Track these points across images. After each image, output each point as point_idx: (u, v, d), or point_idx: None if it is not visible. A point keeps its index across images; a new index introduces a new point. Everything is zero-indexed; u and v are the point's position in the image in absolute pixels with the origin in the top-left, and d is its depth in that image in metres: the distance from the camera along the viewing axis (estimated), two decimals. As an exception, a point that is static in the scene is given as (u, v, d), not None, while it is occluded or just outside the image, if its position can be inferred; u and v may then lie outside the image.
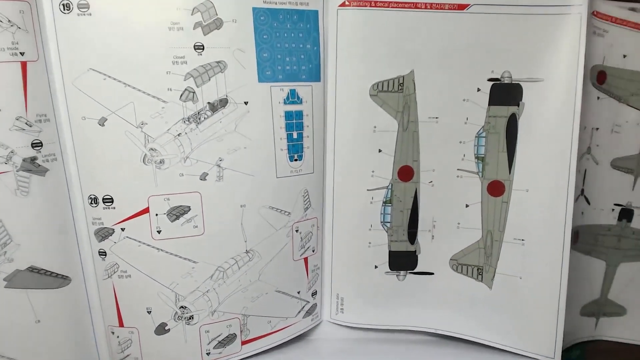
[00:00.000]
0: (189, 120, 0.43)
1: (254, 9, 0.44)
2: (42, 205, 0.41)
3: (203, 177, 0.44)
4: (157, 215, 0.44)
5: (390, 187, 0.52)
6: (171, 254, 0.45)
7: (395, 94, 0.49)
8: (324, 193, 0.52)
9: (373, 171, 0.51)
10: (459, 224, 0.52)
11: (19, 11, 0.38)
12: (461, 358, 0.53)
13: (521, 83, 0.48)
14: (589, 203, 0.52)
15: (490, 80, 0.48)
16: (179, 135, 0.43)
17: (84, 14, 0.39)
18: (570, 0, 0.45)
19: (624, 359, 0.56)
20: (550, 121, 0.47)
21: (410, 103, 0.50)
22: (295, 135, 0.48)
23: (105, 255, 0.44)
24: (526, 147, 0.49)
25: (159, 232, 0.44)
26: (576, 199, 0.49)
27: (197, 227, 0.45)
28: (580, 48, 0.45)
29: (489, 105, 0.49)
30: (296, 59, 0.47)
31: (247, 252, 0.47)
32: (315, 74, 0.48)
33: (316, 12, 0.47)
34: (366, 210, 0.52)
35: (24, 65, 0.39)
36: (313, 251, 0.52)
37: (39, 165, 0.41)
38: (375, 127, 0.50)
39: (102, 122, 0.41)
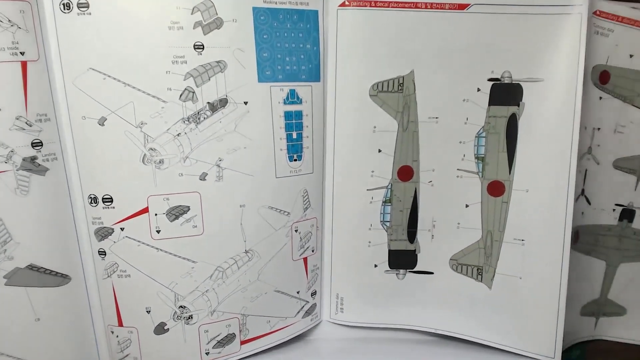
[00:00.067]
0: (188, 120, 0.43)
1: (254, 8, 0.44)
2: (42, 204, 0.41)
3: (202, 177, 0.44)
4: (156, 215, 0.44)
5: (390, 187, 0.52)
6: (170, 253, 0.45)
7: (395, 94, 0.49)
8: (323, 193, 0.52)
9: (373, 171, 0.51)
10: (458, 224, 0.52)
11: (20, 11, 0.38)
12: (461, 358, 0.53)
13: (521, 83, 0.48)
14: (589, 203, 0.52)
15: (490, 80, 0.48)
16: (178, 135, 0.43)
17: (84, 14, 0.39)
18: (571, 0, 0.45)
19: (624, 359, 0.56)
20: (551, 121, 0.47)
21: (410, 103, 0.50)
22: (294, 136, 0.48)
23: (105, 254, 0.44)
24: (526, 147, 0.48)
25: (158, 231, 0.44)
26: (576, 199, 0.49)
27: (196, 227, 0.45)
28: (581, 48, 0.45)
29: (489, 105, 0.49)
30: (296, 59, 0.46)
31: (246, 252, 0.47)
32: (315, 74, 0.48)
33: (316, 12, 0.47)
34: (366, 210, 0.52)
35: (24, 64, 0.39)
36: (312, 251, 0.52)
37: (39, 164, 0.41)
38: (375, 127, 0.50)
39: (101, 121, 0.41)
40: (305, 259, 0.52)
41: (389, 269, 0.54)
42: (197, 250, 0.45)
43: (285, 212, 0.49)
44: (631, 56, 0.48)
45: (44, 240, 0.42)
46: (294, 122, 0.47)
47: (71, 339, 0.45)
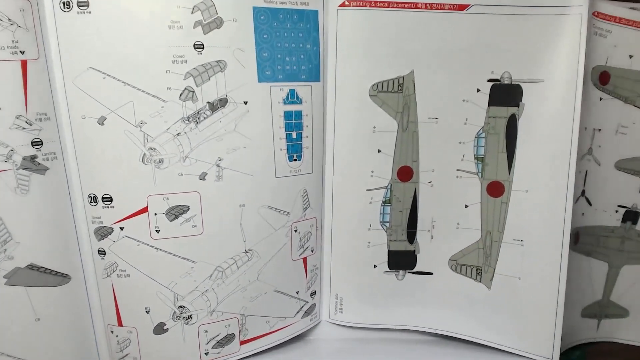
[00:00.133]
0: (188, 120, 0.43)
1: (254, 8, 0.44)
2: (42, 203, 0.41)
3: (202, 176, 0.44)
4: (155, 214, 0.44)
5: (389, 187, 0.52)
6: (170, 253, 0.45)
7: (395, 94, 0.49)
8: (323, 193, 0.52)
9: (372, 171, 0.51)
10: (458, 224, 0.52)
11: (20, 9, 0.38)
12: (460, 358, 0.53)
13: (521, 84, 0.48)
14: (590, 204, 0.52)
15: (490, 80, 0.48)
16: (178, 134, 0.43)
17: (84, 12, 0.39)
18: (571, 1, 0.45)
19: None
20: (550, 122, 0.47)
21: (409, 103, 0.50)
22: (294, 135, 0.48)
23: (105, 254, 0.44)
24: (526, 147, 0.49)
25: (157, 231, 0.44)
26: (576, 200, 0.49)
27: (196, 226, 0.45)
28: (581, 49, 0.45)
29: (488, 105, 0.49)
30: (296, 59, 0.46)
31: (246, 252, 0.47)
32: (314, 74, 0.48)
33: (316, 12, 0.47)
34: (365, 210, 0.52)
35: (24, 63, 0.39)
36: (312, 251, 0.52)
37: (39, 163, 0.41)
38: (374, 127, 0.50)
39: (101, 121, 0.41)
40: (304, 259, 0.52)
41: (388, 269, 0.54)
42: (196, 250, 0.45)
43: (284, 212, 0.49)
44: (631, 57, 0.48)
45: (44, 240, 0.42)
46: (293, 122, 0.47)
47: (71, 339, 0.45)
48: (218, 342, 0.49)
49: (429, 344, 0.55)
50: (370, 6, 0.47)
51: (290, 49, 0.46)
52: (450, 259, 0.53)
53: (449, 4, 0.47)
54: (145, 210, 0.43)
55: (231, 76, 0.43)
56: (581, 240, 0.53)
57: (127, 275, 0.44)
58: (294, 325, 0.53)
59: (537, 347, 0.50)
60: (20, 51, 0.39)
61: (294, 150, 0.48)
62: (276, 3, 0.45)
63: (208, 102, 0.43)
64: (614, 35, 0.47)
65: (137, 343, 0.46)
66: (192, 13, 0.41)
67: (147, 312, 0.46)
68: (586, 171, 0.51)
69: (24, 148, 0.40)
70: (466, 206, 0.52)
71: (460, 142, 0.50)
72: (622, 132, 0.49)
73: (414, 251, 0.53)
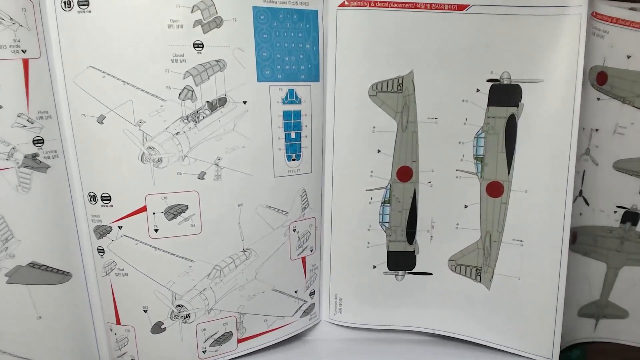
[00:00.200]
0: (187, 119, 0.43)
1: (254, 7, 0.44)
2: (44, 201, 0.42)
3: (201, 176, 0.44)
4: (154, 213, 0.44)
5: (389, 187, 0.52)
6: (168, 252, 0.45)
7: (395, 94, 0.49)
8: (322, 193, 0.52)
9: (372, 171, 0.51)
10: (457, 224, 0.52)
11: (21, 9, 0.39)
12: (459, 358, 0.53)
13: (520, 84, 0.48)
14: (587, 204, 0.52)
15: (489, 80, 0.48)
16: (177, 133, 0.43)
17: (84, 11, 0.40)
18: (570, 1, 0.45)
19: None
20: (550, 122, 0.47)
21: (409, 103, 0.50)
22: (293, 135, 0.48)
23: (104, 252, 0.44)
24: (525, 148, 0.48)
25: (156, 230, 0.44)
26: (574, 200, 0.49)
27: (194, 225, 0.45)
28: (580, 49, 0.45)
29: (488, 106, 0.49)
30: (295, 59, 0.47)
31: (244, 250, 0.47)
32: (314, 74, 0.48)
33: (316, 11, 0.47)
34: (365, 211, 0.52)
35: (25, 62, 0.39)
36: (311, 251, 0.52)
37: (41, 162, 0.41)
38: (374, 127, 0.50)
39: (101, 119, 0.41)
40: (303, 259, 0.52)
41: (387, 270, 0.54)
42: (194, 249, 0.45)
43: (283, 211, 0.49)
44: (628, 57, 0.48)
45: (45, 238, 0.42)
46: (292, 121, 0.47)
47: (72, 337, 0.45)
48: (216, 340, 0.49)
49: (429, 344, 0.55)
50: (369, 6, 0.47)
51: (289, 48, 0.46)
52: (449, 259, 0.53)
53: (449, 4, 0.47)
54: (143, 209, 0.43)
55: (230, 76, 0.44)
56: (579, 240, 0.53)
57: (125, 274, 0.45)
58: (293, 325, 0.53)
59: (536, 347, 0.50)
60: (22, 50, 0.39)
61: (293, 150, 0.48)
62: (276, 3, 0.45)
63: (207, 102, 0.43)
64: (610, 35, 0.47)
65: (135, 342, 0.46)
66: (191, 12, 0.41)
67: (145, 311, 0.46)
68: (584, 171, 0.51)
69: (26, 146, 0.40)
70: (466, 206, 0.51)
71: (459, 142, 0.50)
72: (620, 133, 0.49)
73: (414, 251, 0.53)
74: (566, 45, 0.45)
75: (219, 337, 0.49)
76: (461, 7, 0.47)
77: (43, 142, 0.41)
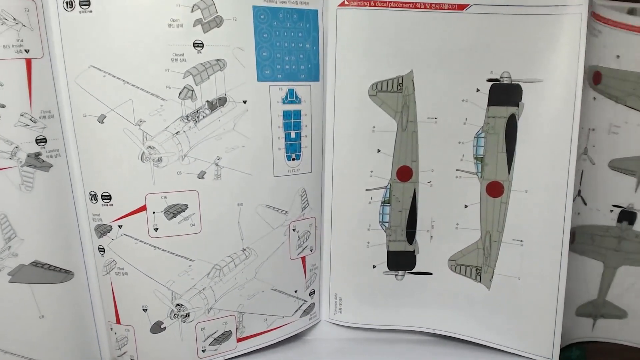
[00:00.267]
0: (187, 119, 0.43)
1: (254, 7, 0.44)
2: (46, 200, 0.42)
3: (201, 175, 0.44)
4: (154, 213, 0.44)
5: (389, 187, 0.52)
6: (168, 252, 0.45)
7: (395, 94, 0.49)
8: (322, 193, 0.52)
9: (372, 171, 0.51)
10: (457, 224, 0.52)
11: (24, 9, 0.39)
12: (459, 358, 0.52)
13: (520, 83, 0.48)
14: (585, 204, 0.52)
15: (489, 80, 0.48)
16: (177, 133, 0.43)
17: (85, 11, 0.40)
18: (570, 1, 0.45)
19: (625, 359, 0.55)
20: (550, 122, 0.47)
21: (409, 103, 0.50)
22: (293, 135, 0.48)
23: (104, 251, 0.44)
24: (525, 147, 0.48)
25: (155, 230, 0.44)
26: (573, 200, 0.49)
27: (194, 225, 0.45)
28: (580, 48, 0.45)
29: (488, 105, 0.49)
30: (295, 59, 0.47)
31: (243, 250, 0.47)
32: (314, 74, 0.48)
33: (316, 11, 0.47)
34: (365, 210, 0.52)
35: (28, 62, 0.39)
36: (311, 250, 0.52)
37: (43, 161, 0.41)
38: (374, 127, 0.50)
39: (101, 119, 0.41)
40: (303, 258, 0.52)
41: (387, 269, 0.54)
42: (194, 249, 0.45)
43: (283, 211, 0.49)
44: (618, 57, 0.48)
45: (48, 237, 0.42)
46: (292, 121, 0.47)
47: (74, 336, 0.46)
48: (215, 339, 0.49)
49: (429, 344, 0.55)
50: (369, 6, 0.47)
51: (289, 48, 0.46)
52: (449, 259, 0.53)
53: (449, 4, 0.47)
54: (143, 208, 0.43)
55: (230, 75, 0.44)
56: (577, 239, 0.53)
57: (125, 274, 0.45)
58: (293, 324, 0.53)
59: (536, 347, 0.50)
60: (25, 50, 0.39)
61: (293, 149, 0.48)
62: (276, 2, 0.45)
63: (207, 101, 0.43)
64: (603, 35, 0.47)
65: (135, 342, 0.46)
66: (192, 11, 0.41)
67: (145, 310, 0.46)
68: (582, 171, 0.51)
69: (29, 145, 0.40)
70: (465, 206, 0.51)
71: (459, 142, 0.50)
72: (614, 132, 0.49)
73: (414, 251, 0.53)
74: (566, 45, 0.45)
75: (218, 337, 0.49)
76: (461, 7, 0.47)
77: (46, 142, 0.41)
